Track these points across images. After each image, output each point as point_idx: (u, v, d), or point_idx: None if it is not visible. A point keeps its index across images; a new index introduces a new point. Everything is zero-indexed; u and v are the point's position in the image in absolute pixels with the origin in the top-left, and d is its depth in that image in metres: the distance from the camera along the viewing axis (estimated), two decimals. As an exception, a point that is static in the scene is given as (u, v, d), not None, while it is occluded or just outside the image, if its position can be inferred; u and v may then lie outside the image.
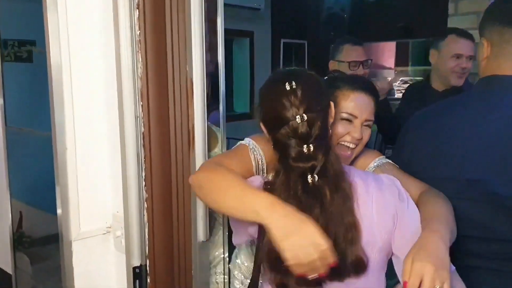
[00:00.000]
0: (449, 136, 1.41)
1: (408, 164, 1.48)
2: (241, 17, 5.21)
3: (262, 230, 1.22)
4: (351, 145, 1.43)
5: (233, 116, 5.23)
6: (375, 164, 1.49)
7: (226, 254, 1.66)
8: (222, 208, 1.25)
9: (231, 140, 1.82)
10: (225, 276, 1.67)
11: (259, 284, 1.34)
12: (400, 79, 6.79)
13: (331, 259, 1.09)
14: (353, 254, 1.19)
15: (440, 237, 1.12)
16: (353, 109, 1.43)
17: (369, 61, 2.69)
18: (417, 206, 1.28)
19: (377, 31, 5.58)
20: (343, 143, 1.43)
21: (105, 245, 1.55)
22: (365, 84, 1.51)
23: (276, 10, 5.72)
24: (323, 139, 1.24)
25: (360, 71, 2.61)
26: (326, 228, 1.13)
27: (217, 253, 1.69)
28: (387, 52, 7.14)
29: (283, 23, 5.79)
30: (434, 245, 1.11)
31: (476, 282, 1.31)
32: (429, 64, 2.74)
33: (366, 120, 1.45)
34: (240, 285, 1.67)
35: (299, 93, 1.21)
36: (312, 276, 1.10)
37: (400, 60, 6.98)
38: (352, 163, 1.49)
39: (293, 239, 1.06)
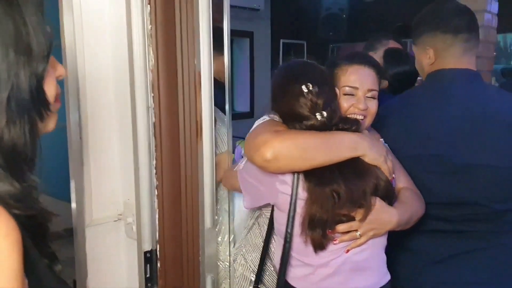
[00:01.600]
0: (414, 120, 1.62)
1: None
2: (241, 17, 5.26)
3: (292, 195, 1.33)
4: (359, 117, 1.46)
5: (233, 115, 5.27)
6: None
7: (232, 237, 1.73)
8: (320, 161, 1.31)
9: (233, 139, 1.87)
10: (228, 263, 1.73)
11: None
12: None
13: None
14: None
15: (395, 213, 1.37)
16: (353, 82, 1.46)
17: None
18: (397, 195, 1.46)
19: (376, 30, 5.64)
20: (350, 116, 1.46)
21: (116, 231, 1.61)
22: (362, 57, 1.55)
23: (275, 10, 5.78)
24: (338, 120, 1.38)
25: None
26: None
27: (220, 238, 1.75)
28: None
29: (283, 23, 5.85)
30: (388, 214, 1.36)
31: (444, 241, 1.57)
32: None
33: (369, 91, 1.46)
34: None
35: (315, 92, 1.34)
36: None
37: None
38: None
39: (376, 151, 1.38)
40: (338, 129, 1.36)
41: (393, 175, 1.43)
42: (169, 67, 1.49)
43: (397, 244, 1.55)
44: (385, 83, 2.31)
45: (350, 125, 1.37)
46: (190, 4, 1.50)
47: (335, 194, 1.29)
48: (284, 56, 5.91)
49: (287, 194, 1.33)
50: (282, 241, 1.38)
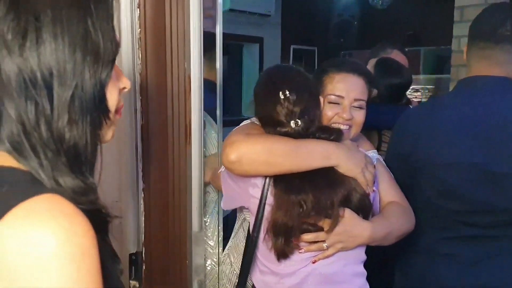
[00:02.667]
0: (446, 128, 1.56)
1: (409, 155, 1.60)
2: (251, 23, 5.29)
3: (262, 199, 1.32)
4: (343, 127, 1.44)
5: (242, 120, 5.29)
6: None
7: (220, 240, 1.72)
8: (287, 167, 1.29)
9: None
10: (217, 265, 1.73)
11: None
12: (411, 87, 6.78)
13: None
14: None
15: (368, 227, 1.34)
16: (339, 90, 1.44)
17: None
18: (382, 208, 1.45)
19: (387, 38, 5.62)
20: (334, 125, 1.44)
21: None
22: (352, 65, 1.51)
23: (286, 16, 5.79)
24: (316, 129, 1.35)
25: None
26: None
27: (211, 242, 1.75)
28: (397, 60, 7.15)
29: (293, 29, 5.86)
30: (358, 227, 1.33)
31: (476, 245, 1.55)
32: (441, 72, 2.70)
33: (355, 100, 1.44)
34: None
35: (292, 100, 1.32)
36: None
37: (412, 68, 6.97)
38: None
39: (352, 162, 1.33)
40: (315, 138, 1.33)
41: (374, 189, 1.39)
42: (158, 70, 1.50)
43: (428, 250, 1.57)
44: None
45: (329, 134, 1.34)
46: (181, 7, 1.50)
47: (301, 202, 1.26)
48: (294, 62, 5.91)
49: (257, 198, 1.32)
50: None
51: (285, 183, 1.29)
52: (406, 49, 6.49)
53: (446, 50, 4.04)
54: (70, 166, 0.65)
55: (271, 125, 1.34)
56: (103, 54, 0.67)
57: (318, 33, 5.97)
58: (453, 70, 3.59)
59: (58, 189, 0.63)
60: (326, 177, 1.31)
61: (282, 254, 1.30)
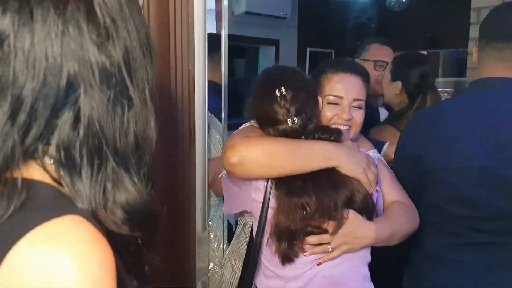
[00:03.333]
0: (457, 130, 1.52)
1: (418, 157, 1.56)
2: (266, 25, 5.28)
3: (264, 202, 1.31)
4: (342, 127, 1.43)
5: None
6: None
7: (225, 244, 1.72)
8: (288, 168, 1.29)
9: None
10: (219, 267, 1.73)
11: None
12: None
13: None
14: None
15: (373, 228, 1.33)
16: (338, 91, 1.43)
17: None
18: (385, 208, 1.43)
19: (404, 40, 5.57)
20: (334, 126, 1.43)
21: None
22: (350, 65, 1.50)
23: (302, 19, 5.77)
24: (315, 129, 1.34)
25: (385, 72, 2.43)
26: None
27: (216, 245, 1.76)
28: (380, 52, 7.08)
29: (310, 31, 5.83)
30: (363, 229, 1.31)
31: (485, 252, 1.51)
32: (460, 75, 2.69)
33: (354, 100, 1.43)
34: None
35: (289, 97, 1.31)
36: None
37: (431, 71, 6.88)
38: None
39: (354, 163, 1.33)
40: (315, 138, 1.33)
41: (377, 189, 1.38)
42: (162, 72, 1.51)
43: (435, 256, 1.54)
44: (399, 85, 2.25)
45: (329, 134, 1.34)
46: (185, 9, 1.51)
47: (304, 205, 1.25)
48: (310, 65, 5.89)
49: (259, 202, 1.32)
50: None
51: (287, 185, 1.29)
52: (426, 52, 6.43)
53: (464, 52, 3.99)
54: (139, 173, 0.64)
55: (269, 124, 1.34)
56: (152, 49, 0.70)
57: (335, 35, 5.93)
58: (469, 72, 3.53)
59: (94, 208, 0.60)
60: (328, 178, 1.30)
61: (286, 258, 1.30)
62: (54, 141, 0.59)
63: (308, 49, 5.89)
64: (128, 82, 0.63)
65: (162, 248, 1.57)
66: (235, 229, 1.66)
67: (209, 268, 1.69)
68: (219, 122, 1.78)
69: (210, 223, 1.75)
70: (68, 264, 0.53)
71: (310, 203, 1.26)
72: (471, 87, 1.60)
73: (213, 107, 1.73)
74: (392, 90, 2.30)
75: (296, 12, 5.65)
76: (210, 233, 1.74)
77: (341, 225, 1.28)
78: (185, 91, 1.53)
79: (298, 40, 5.83)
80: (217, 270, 1.71)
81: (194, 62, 1.53)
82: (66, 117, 0.59)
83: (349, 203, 1.31)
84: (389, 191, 1.47)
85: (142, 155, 0.66)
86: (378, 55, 2.51)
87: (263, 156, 1.27)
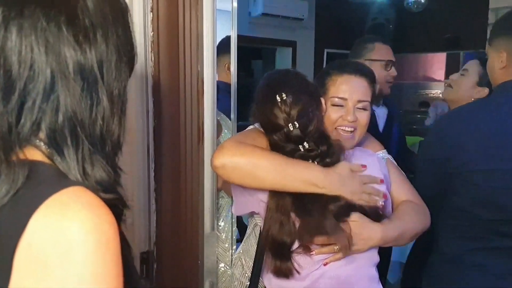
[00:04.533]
0: (487, 132, 1.50)
1: (446, 159, 1.54)
2: (284, 27, 5.29)
3: (270, 201, 1.33)
4: (348, 129, 1.43)
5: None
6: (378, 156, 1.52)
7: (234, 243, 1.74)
8: (268, 184, 1.30)
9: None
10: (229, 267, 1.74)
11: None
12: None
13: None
14: None
15: (379, 229, 1.32)
16: (342, 92, 1.42)
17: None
18: (394, 209, 1.42)
19: (422, 41, 5.52)
20: (339, 128, 1.43)
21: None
22: (354, 66, 1.49)
23: (320, 20, 5.77)
24: (318, 135, 1.33)
25: (393, 72, 2.38)
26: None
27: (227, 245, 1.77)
28: (436, 64, 7.01)
29: (327, 33, 5.83)
30: (369, 230, 1.31)
31: (507, 260, 1.49)
32: None
33: (359, 102, 1.43)
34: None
35: (289, 102, 1.32)
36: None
37: (451, 73, 6.79)
38: None
39: (347, 190, 1.30)
40: (312, 153, 1.32)
41: (383, 200, 1.36)
42: (171, 72, 1.52)
43: (457, 259, 1.53)
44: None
45: (327, 148, 1.33)
46: (194, 10, 1.52)
47: (284, 223, 1.28)
48: (328, 66, 5.87)
49: (266, 203, 1.32)
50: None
51: (277, 198, 1.31)
52: (445, 53, 6.32)
53: (483, 53, 3.93)
54: (107, 159, 0.71)
55: (272, 130, 1.35)
56: (131, 56, 0.78)
57: (353, 37, 5.88)
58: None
59: (83, 183, 0.67)
60: (317, 195, 1.30)
61: (276, 271, 1.33)
62: (43, 125, 0.67)
63: (326, 50, 5.88)
64: (99, 79, 0.70)
65: (170, 247, 1.59)
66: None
67: (219, 267, 1.71)
68: (230, 122, 1.80)
69: (222, 223, 1.77)
70: (82, 224, 0.60)
71: (294, 225, 1.29)
72: (501, 89, 1.58)
73: (228, 108, 1.75)
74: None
75: (314, 13, 5.65)
76: (222, 233, 1.76)
77: (341, 239, 1.29)
78: (193, 91, 1.55)
79: (315, 41, 5.83)
80: (227, 269, 1.72)
81: (203, 63, 1.54)
82: (51, 103, 0.67)
83: (353, 209, 1.31)
84: (399, 191, 1.46)
85: (106, 146, 0.72)
86: (386, 54, 2.38)
87: (246, 166, 1.27)
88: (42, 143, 0.68)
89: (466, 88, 2.19)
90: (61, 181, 0.65)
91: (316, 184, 1.28)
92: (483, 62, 1.89)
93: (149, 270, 1.56)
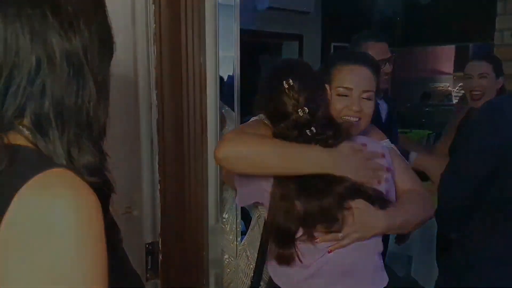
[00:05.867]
0: None
1: (499, 148, 1.45)
2: (290, 20, 5.27)
3: (275, 190, 1.33)
4: (353, 119, 1.43)
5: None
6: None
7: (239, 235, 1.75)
8: (272, 170, 1.32)
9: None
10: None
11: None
12: (459, 84, 6.55)
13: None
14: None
15: (383, 217, 1.33)
16: (347, 82, 1.43)
17: (394, 54, 2.40)
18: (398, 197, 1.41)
19: (430, 34, 5.49)
20: (344, 117, 1.44)
21: (125, 224, 1.66)
22: (359, 56, 1.50)
23: (326, 13, 5.74)
24: (325, 120, 1.35)
25: (387, 69, 2.31)
26: None
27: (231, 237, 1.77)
28: (445, 57, 6.96)
29: (334, 26, 5.80)
30: (373, 218, 1.32)
31: None
32: None
33: (364, 92, 1.43)
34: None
35: (296, 87, 1.32)
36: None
37: (460, 65, 6.73)
38: None
39: (350, 169, 1.31)
40: (319, 136, 1.32)
41: (386, 177, 1.37)
42: (173, 65, 1.53)
43: (496, 256, 1.49)
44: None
45: (333, 131, 1.34)
46: (197, 2, 1.53)
47: (289, 209, 1.29)
48: (335, 60, 5.85)
49: (269, 192, 1.33)
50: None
51: (283, 187, 1.31)
52: (454, 45, 6.25)
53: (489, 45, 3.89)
54: (93, 143, 0.72)
55: (280, 118, 1.34)
56: (111, 44, 0.79)
57: (360, 30, 5.87)
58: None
59: (68, 166, 0.68)
60: (322, 180, 1.30)
61: (279, 258, 1.33)
62: (28, 110, 0.68)
63: (333, 44, 5.86)
64: (85, 64, 0.71)
65: (175, 239, 1.60)
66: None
67: (224, 259, 1.72)
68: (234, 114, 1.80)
69: (226, 216, 1.78)
70: (64, 203, 0.61)
71: (299, 211, 1.29)
72: None
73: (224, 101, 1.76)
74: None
75: (320, 6, 5.62)
76: (226, 225, 1.76)
77: (341, 225, 1.30)
78: (196, 84, 1.55)
79: (322, 35, 5.80)
80: (232, 261, 1.73)
81: (206, 55, 1.54)
82: (36, 88, 0.68)
83: (358, 193, 1.31)
84: (403, 180, 1.46)
85: (92, 132, 0.73)
86: (378, 53, 2.19)
87: (249, 154, 1.28)
88: (25, 129, 0.69)
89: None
90: (45, 163, 0.66)
91: (320, 163, 1.29)
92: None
93: (154, 261, 1.57)
